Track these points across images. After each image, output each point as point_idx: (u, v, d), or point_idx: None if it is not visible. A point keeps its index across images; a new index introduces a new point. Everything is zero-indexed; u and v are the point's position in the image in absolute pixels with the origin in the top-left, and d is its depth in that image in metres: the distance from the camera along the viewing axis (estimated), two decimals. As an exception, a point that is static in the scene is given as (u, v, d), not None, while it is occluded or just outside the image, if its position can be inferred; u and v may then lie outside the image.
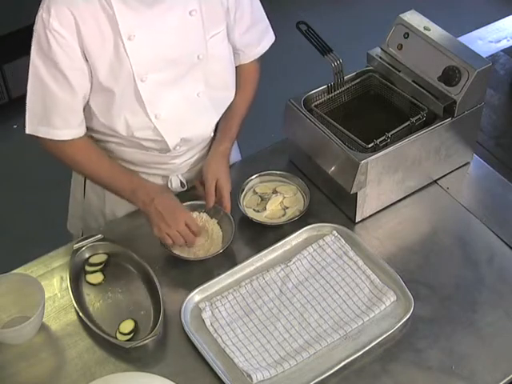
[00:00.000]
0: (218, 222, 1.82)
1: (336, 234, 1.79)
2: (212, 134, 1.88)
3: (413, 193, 1.91)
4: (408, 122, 1.80)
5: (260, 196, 1.90)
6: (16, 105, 3.08)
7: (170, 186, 1.89)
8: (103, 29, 1.60)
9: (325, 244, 1.77)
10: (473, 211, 1.87)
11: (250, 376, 1.53)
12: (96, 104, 1.70)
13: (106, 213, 1.94)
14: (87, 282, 1.72)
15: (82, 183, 1.95)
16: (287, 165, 1.99)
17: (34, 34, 1.61)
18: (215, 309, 1.65)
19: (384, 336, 1.59)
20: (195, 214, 1.81)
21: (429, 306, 1.66)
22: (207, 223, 1.81)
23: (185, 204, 1.81)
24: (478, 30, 3.82)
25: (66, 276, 1.70)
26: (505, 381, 1.55)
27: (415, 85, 1.86)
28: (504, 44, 3.72)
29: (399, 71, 1.90)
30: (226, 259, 1.76)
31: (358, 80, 1.94)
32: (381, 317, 1.64)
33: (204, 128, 1.83)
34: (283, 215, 1.86)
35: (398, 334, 1.61)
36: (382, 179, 1.80)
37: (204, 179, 1.82)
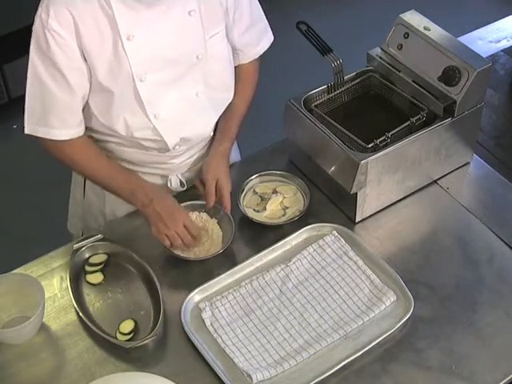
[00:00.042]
0: (218, 222, 1.82)
1: (336, 234, 1.79)
2: (211, 134, 1.88)
3: (413, 193, 1.91)
4: (408, 122, 1.80)
5: (260, 196, 1.89)
6: (16, 105, 3.06)
7: (169, 185, 1.89)
8: (102, 29, 1.60)
9: (325, 244, 1.77)
10: (473, 211, 1.87)
11: (249, 376, 1.52)
12: (95, 104, 1.70)
13: (105, 213, 1.93)
14: (87, 282, 1.72)
15: (81, 183, 1.95)
16: (287, 165, 1.99)
17: (33, 34, 1.60)
18: (215, 309, 1.65)
19: (384, 336, 1.58)
20: (195, 214, 1.82)
21: (429, 306, 1.66)
22: (207, 223, 1.81)
23: (185, 204, 1.81)
24: (478, 30, 3.82)
25: (66, 276, 1.70)
26: (505, 381, 1.54)
27: (415, 85, 1.86)
28: (504, 44, 3.72)
29: (399, 71, 1.90)
30: (226, 259, 1.76)
31: (357, 80, 1.94)
32: (381, 317, 1.63)
33: (203, 128, 1.83)
34: (283, 215, 1.85)
35: (397, 334, 1.61)
36: (382, 179, 1.80)
37: (204, 179, 1.82)
